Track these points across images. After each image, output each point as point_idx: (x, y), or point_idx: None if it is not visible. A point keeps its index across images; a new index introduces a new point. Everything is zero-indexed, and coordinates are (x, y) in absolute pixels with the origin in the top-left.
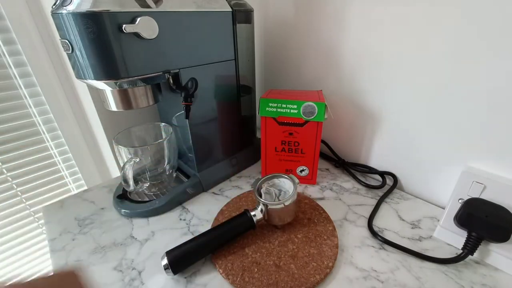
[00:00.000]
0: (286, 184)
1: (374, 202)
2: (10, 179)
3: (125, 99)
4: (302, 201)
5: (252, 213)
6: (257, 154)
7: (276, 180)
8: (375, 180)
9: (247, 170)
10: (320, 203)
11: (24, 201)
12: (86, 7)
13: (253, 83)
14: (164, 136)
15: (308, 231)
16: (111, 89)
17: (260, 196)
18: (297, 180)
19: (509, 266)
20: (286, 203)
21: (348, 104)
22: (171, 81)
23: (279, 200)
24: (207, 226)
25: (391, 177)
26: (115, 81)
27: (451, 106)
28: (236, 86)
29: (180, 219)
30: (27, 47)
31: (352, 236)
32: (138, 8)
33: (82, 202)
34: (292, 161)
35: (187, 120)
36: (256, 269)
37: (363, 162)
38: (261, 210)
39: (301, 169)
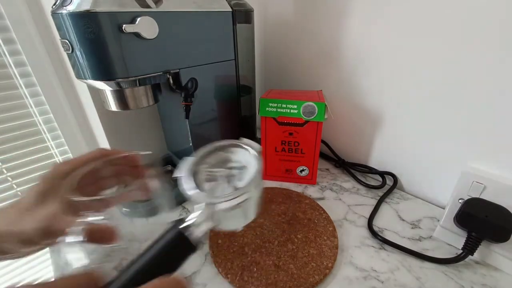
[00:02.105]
0: (241, 157)
1: (374, 202)
2: (10, 179)
3: (125, 99)
4: (302, 201)
5: (186, 226)
6: None
7: (222, 154)
8: (375, 180)
9: None
10: (320, 203)
11: None
12: (86, 7)
13: (253, 83)
14: None
15: (308, 231)
16: (111, 89)
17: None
18: (258, 147)
19: (509, 266)
20: (249, 196)
21: (348, 104)
22: (171, 81)
23: (236, 191)
24: None
25: (391, 177)
26: (115, 81)
27: (451, 106)
28: (236, 86)
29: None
30: (27, 47)
31: (352, 236)
32: (138, 8)
33: None
34: (292, 161)
35: (187, 120)
36: (255, 269)
37: (363, 162)
38: (204, 215)
39: (301, 169)
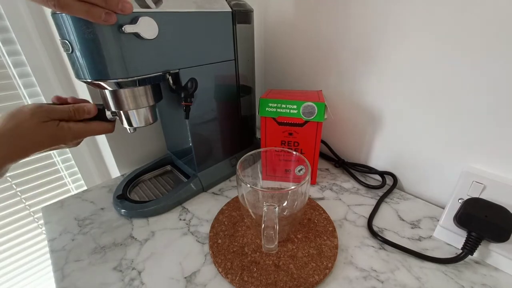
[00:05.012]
0: None
1: (374, 202)
2: (10, 180)
3: (125, 99)
4: None
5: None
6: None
7: None
8: (375, 180)
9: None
10: (320, 203)
11: (24, 201)
12: None
13: (253, 83)
14: None
15: (308, 231)
16: (110, 89)
17: None
18: None
19: (509, 266)
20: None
21: (348, 104)
22: (171, 81)
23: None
24: (207, 226)
25: (391, 177)
26: (114, 81)
27: (451, 106)
28: (236, 86)
29: (180, 219)
30: (27, 47)
31: (352, 236)
32: (138, 8)
33: (82, 202)
34: (292, 161)
35: (187, 120)
36: (255, 269)
37: (363, 162)
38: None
39: (300, 168)
